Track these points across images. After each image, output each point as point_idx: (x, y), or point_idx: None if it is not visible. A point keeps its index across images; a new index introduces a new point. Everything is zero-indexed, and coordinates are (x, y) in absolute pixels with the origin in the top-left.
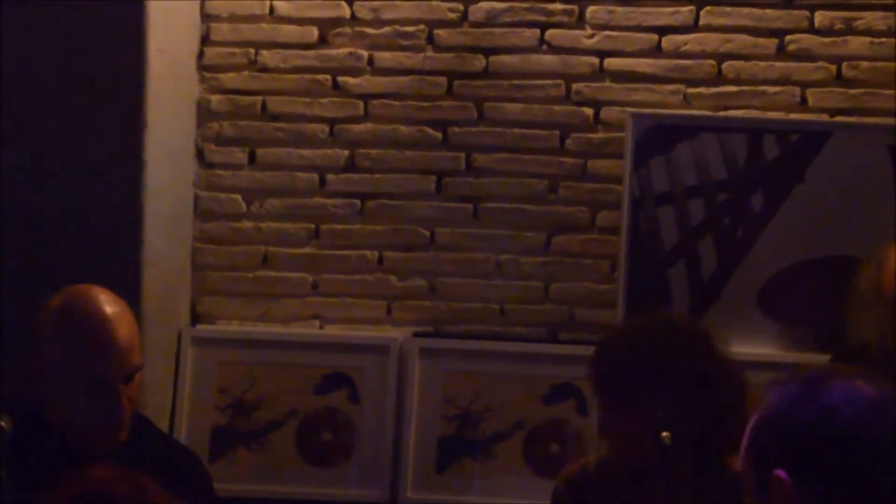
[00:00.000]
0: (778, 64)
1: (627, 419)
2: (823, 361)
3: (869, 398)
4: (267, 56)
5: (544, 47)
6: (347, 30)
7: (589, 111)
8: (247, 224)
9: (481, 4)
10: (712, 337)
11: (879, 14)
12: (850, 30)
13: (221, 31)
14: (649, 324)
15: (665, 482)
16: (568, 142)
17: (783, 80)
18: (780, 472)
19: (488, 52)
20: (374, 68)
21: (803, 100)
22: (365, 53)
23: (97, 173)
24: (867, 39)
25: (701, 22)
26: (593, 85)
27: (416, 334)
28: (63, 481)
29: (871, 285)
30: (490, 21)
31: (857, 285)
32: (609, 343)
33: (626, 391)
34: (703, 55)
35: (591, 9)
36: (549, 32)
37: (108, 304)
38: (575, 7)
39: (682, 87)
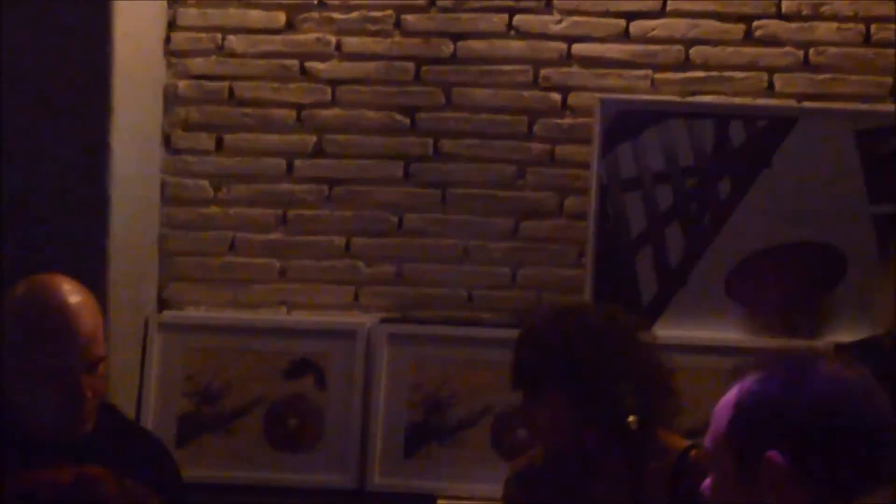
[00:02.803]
0: (745, 49)
1: (555, 411)
2: (792, 347)
3: (854, 382)
4: (234, 41)
5: (512, 33)
6: (315, 15)
7: (557, 97)
8: (214, 210)
9: None
10: (632, 320)
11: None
12: (816, 15)
13: (188, 15)
14: (567, 314)
15: (631, 465)
16: (536, 127)
17: (750, 66)
18: (774, 455)
19: (456, 37)
20: (341, 53)
21: (770, 85)
22: (333, 39)
23: (63, 158)
24: (834, 25)
25: (669, 7)
26: (561, 70)
27: (384, 320)
28: (11, 478)
29: None
30: (458, 6)
31: None
32: (533, 336)
33: (552, 383)
34: (670, 41)
35: None
36: (517, 18)
37: (71, 294)
38: None
39: (649, 72)
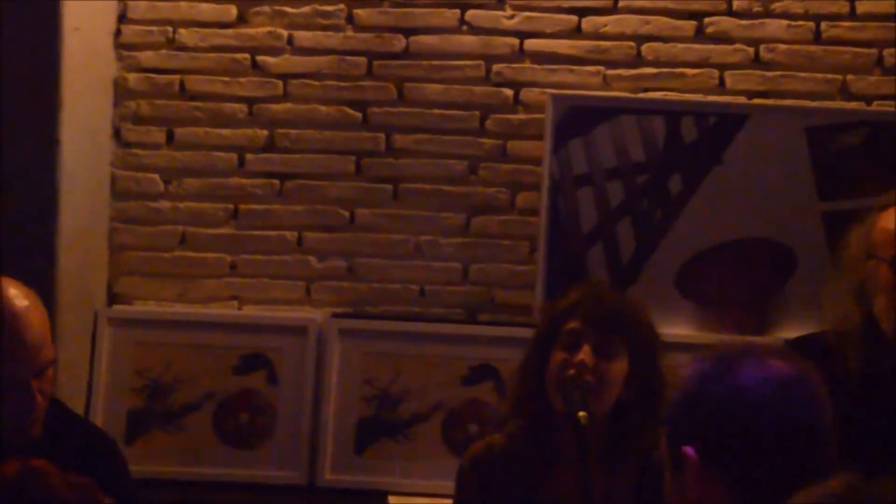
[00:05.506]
0: (696, 46)
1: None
2: (735, 342)
3: (780, 377)
4: (185, 34)
5: (464, 28)
6: (267, 9)
7: (509, 92)
8: (164, 204)
9: None
10: (645, 307)
11: None
12: (767, 13)
13: (139, 8)
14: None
15: (580, 462)
16: (488, 123)
17: (701, 63)
18: (689, 450)
19: (408, 32)
20: (293, 48)
21: (721, 82)
22: (284, 33)
23: (11, 153)
24: (784, 22)
25: (620, 4)
26: (513, 66)
27: (336, 315)
28: None
29: (861, 246)
30: (410, 1)
31: (845, 247)
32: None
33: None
34: (622, 37)
35: None
36: (470, 13)
37: (18, 299)
38: None
39: (601, 68)
